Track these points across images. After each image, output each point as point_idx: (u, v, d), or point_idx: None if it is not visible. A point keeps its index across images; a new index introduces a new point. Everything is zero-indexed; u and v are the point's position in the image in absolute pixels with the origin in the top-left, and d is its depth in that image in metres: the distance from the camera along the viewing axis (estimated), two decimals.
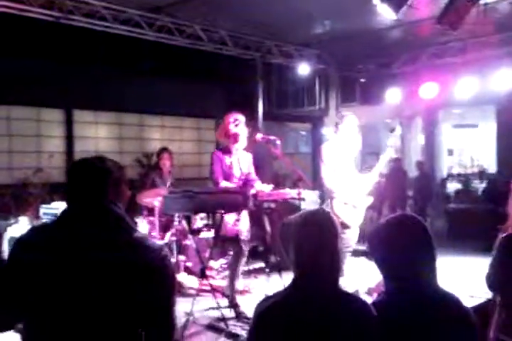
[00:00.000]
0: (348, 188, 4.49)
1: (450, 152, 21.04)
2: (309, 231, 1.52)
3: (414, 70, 9.64)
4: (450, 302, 1.59)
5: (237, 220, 4.25)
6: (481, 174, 17.81)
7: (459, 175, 18.16)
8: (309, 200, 5.45)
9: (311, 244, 1.49)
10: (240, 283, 4.76)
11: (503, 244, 2.43)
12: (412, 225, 1.68)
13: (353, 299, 1.50)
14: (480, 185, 13.88)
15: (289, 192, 4.15)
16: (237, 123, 4.39)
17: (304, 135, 17.02)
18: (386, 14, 4.37)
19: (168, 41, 7.82)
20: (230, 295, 4.31)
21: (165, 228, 5.70)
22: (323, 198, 6.43)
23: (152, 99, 11.18)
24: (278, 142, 4.26)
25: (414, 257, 1.60)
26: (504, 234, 2.49)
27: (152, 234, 5.52)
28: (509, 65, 8.10)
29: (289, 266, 1.59)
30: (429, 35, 7.82)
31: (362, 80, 11.33)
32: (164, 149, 6.37)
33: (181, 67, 10.82)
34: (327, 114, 12.06)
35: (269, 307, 1.48)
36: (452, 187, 14.76)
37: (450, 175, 18.56)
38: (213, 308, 4.31)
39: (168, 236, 5.56)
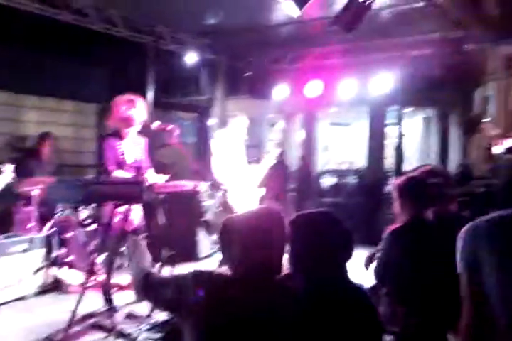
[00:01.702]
0: (239, 180, 4.57)
1: (325, 148, 22.33)
2: (258, 234, 1.48)
3: (301, 68, 10.03)
4: (350, 295, 1.65)
5: (130, 212, 4.06)
6: (353, 170, 19.16)
7: (333, 170, 19.33)
8: (203, 191, 5.42)
9: (261, 248, 1.45)
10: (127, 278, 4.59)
11: (389, 238, 2.60)
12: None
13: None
14: (352, 180, 14.89)
15: (186, 184, 4.07)
16: (130, 105, 4.17)
17: (188, 124, 16.87)
18: (289, 11, 4.45)
19: (51, 15, 7.18)
20: (107, 290, 4.09)
21: (45, 219, 5.26)
22: (213, 190, 6.43)
23: (28, 77, 10.22)
24: (177, 132, 4.15)
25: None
26: (389, 229, 2.66)
27: (28, 225, 5.06)
28: (386, 69, 8.77)
29: (227, 262, 1.53)
30: (316, 35, 8.17)
31: (249, 73, 11.48)
32: (46, 134, 5.88)
33: (65, 45, 10.02)
34: (213, 105, 12.07)
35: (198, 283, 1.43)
36: (327, 181, 15.62)
37: (325, 170, 19.71)
38: (100, 306, 4.09)
39: (46, 228, 5.14)
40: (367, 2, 4.56)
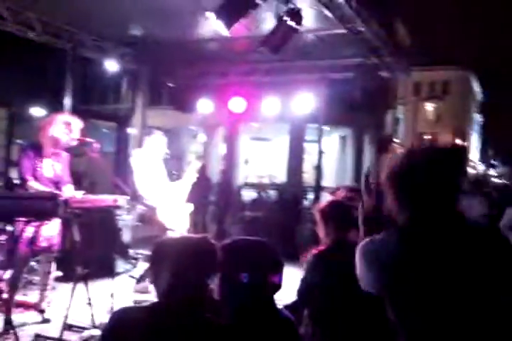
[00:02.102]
0: (165, 197, 4.50)
1: (246, 162, 22.62)
2: (188, 262, 1.45)
3: (226, 83, 10.13)
4: None
5: (42, 227, 3.85)
6: (274, 184, 19.51)
7: (253, 184, 19.56)
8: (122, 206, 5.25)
9: (189, 276, 1.43)
10: (36, 296, 4.35)
11: (313, 260, 2.63)
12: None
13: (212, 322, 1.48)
14: (272, 194, 15.14)
15: (105, 199, 3.93)
16: (66, 127, 4.02)
17: (108, 133, 16.37)
18: (218, 28, 4.50)
19: None
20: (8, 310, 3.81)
21: None
22: (133, 204, 6.26)
23: None
24: (96, 145, 4.01)
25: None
26: (314, 252, 2.68)
27: None
28: (309, 90, 9.09)
29: (155, 286, 1.49)
30: (242, 52, 8.32)
31: (172, 85, 11.42)
32: None
33: None
34: (133, 114, 11.84)
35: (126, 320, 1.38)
36: (248, 195, 15.77)
37: (246, 184, 19.90)
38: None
39: None
40: (294, 26, 4.72)
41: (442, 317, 1.36)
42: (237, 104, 9.69)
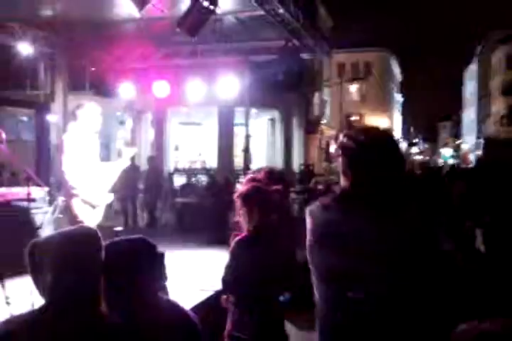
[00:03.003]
0: (90, 185, 4.20)
1: (176, 147, 22.26)
2: (71, 258, 1.35)
3: (147, 67, 9.83)
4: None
5: None
6: (205, 169, 19.36)
7: (184, 169, 19.32)
8: (39, 198, 4.95)
9: (73, 274, 1.33)
10: None
11: (237, 247, 2.63)
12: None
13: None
14: (204, 180, 15.04)
15: (17, 192, 3.68)
16: None
17: (25, 121, 15.47)
18: (130, 9, 4.28)
19: None
20: None
21: None
22: (52, 195, 5.97)
23: None
24: (3, 135, 3.73)
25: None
26: (236, 238, 2.67)
27: None
28: (233, 73, 9.02)
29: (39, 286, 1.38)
30: (162, 34, 8.07)
31: (93, 69, 10.95)
32: None
33: None
34: (53, 100, 11.25)
35: (12, 331, 1.28)
36: (179, 181, 15.56)
37: (177, 170, 19.61)
38: None
39: None
40: (210, 7, 4.61)
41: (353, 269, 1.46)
42: (160, 87, 9.46)
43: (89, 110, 4.26)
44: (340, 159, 1.62)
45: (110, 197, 4.41)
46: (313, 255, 1.57)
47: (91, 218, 4.20)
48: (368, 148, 1.58)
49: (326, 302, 1.54)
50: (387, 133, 1.68)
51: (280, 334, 2.64)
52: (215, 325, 2.72)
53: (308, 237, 1.61)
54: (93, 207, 4.19)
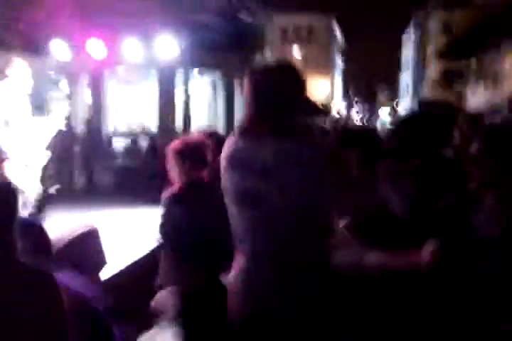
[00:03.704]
0: (23, 146, 4.08)
1: (115, 109, 21.58)
2: None
3: (80, 25, 9.40)
4: None
5: None
6: (145, 132, 18.99)
7: (123, 132, 18.88)
8: None
9: None
10: None
11: (170, 200, 2.71)
12: None
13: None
14: (144, 143, 14.83)
15: None
16: None
17: None
18: None
19: None
20: None
21: None
22: None
23: None
24: None
25: None
26: (167, 194, 2.74)
27: None
28: (170, 32, 8.81)
29: None
30: None
31: (19, 26, 10.33)
32: None
33: None
34: None
35: None
36: (118, 144, 15.25)
37: (116, 132, 19.11)
38: None
39: None
40: None
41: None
42: (95, 46, 9.11)
43: (19, 69, 4.10)
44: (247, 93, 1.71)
45: (45, 157, 4.33)
46: (224, 180, 1.71)
47: (27, 181, 4.13)
48: (265, 76, 1.67)
49: (239, 223, 1.68)
50: (286, 62, 1.76)
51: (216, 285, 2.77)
52: (150, 281, 2.82)
53: (221, 165, 1.74)
54: (27, 166, 4.11)
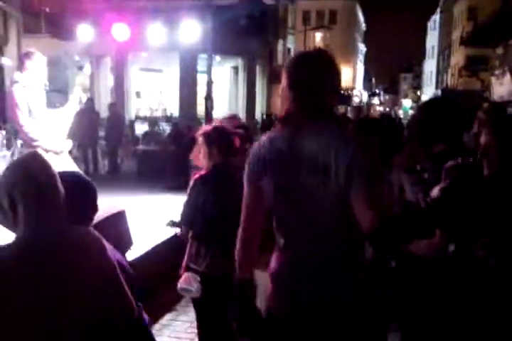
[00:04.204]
0: (48, 134, 4.20)
1: (138, 94, 21.77)
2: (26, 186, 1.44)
3: (106, 9, 9.47)
4: None
5: None
6: (167, 117, 19.11)
7: (146, 117, 19.05)
8: None
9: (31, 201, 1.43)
10: None
11: (197, 184, 2.74)
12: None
13: None
14: (166, 128, 14.92)
15: None
16: None
17: None
18: None
19: None
20: None
21: None
22: (10, 140, 5.91)
23: None
24: None
25: None
26: (196, 176, 2.78)
27: None
28: (195, 17, 8.82)
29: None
30: None
31: (48, 10, 10.46)
32: None
33: None
34: (6, 43, 10.74)
35: None
36: (140, 129, 15.38)
37: (138, 117, 19.29)
38: None
39: None
40: None
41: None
42: (120, 30, 9.16)
43: (38, 61, 4.19)
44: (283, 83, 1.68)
45: (69, 143, 4.43)
46: (260, 181, 1.68)
47: (58, 165, 4.23)
48: (301, 67, 1.65)
49: (282, 218, 1.68)
50: (323, 52, 1.72)
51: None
52: (176, 261, 2.90)
53: (251, 168, 1.72)
54: (57, 153, 4.22)
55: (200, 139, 2.77)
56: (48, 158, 3.91)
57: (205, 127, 2.89)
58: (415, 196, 2.03)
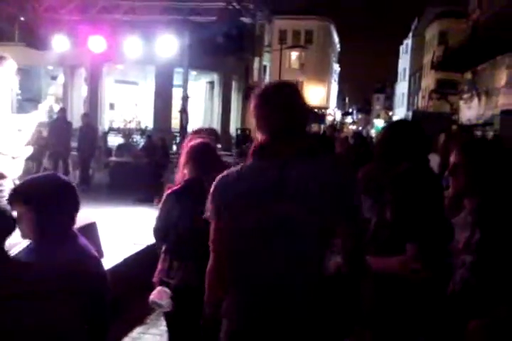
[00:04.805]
0: (5, 137, 4.13)
1: (112, 106, 21.62)
2: None
3: (83, 21, 9.46)
4: None
5: None
6: (141, 130, 18.98)
7: (119, 129, 18.88)
8: None
9: None
10: None
11: (167, 199, 2.74)
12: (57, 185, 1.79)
13: None
14: (140, 140, 14.82)
15: None
16: None
17: None
18: None
19: None
20: None
21: None
22: None
23: None
24: None
25: None
26: (169, 191, 2.77)
27: None
28: (172, 32, 8.89)
29: None
30: None
31: (22, 19, 10.37)
32: None
33: None
34: None
35: None
36: (113, 140, 15.23)
37: (111, 129, 19.10)
38: None
39: None
40: None
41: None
42: (96, 42, 9.15)
43: (10, 68, 4.15)
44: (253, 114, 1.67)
45: (29, 150, 4.35)
46: (224, 217, 1.62)
47: (11, 169, 4.16)
48: (266, 99, 1.63)
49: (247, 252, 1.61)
50: (290, 84, 1.72)
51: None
52: (147, 275, 2.88)
53: (213, 204, 1.65)
54: (13, 158, 4.14)
55: (184, 154, 2.77)
56: (1, 159, 3.79)
57: (191, 141, 2.89)
58: (370, 215, 2.10)
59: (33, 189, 1.74)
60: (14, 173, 4.21)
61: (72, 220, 1.79)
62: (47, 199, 1.71)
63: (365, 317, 1.86)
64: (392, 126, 2.45)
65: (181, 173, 2.80)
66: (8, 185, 4.24)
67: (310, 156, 1.62)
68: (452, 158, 1.83)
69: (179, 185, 2.77)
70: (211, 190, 1.67)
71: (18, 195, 1.75)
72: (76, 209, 1.80)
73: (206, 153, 2.77)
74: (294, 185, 1.55)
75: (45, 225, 1.70)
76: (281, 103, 1.61)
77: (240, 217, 1.59)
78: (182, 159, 2.75)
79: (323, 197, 1.54)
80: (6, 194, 4.28)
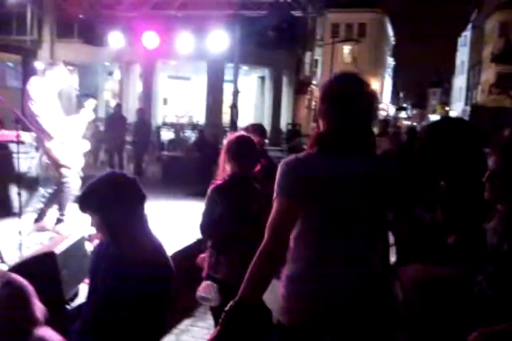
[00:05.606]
0: (65, 130, 4.28)
1: (165, 101, 22.07)
2: None
3: (137, 17, 9.64)
4: None
5: None
6: (193, 124, 19.28)
7: (172, 124, 19.26)
8: (26, 143, 5.01)
9: None
10: None
11: (210, 195, 2.73)
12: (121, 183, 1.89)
13: None
14: (191, 135, 15.05)
15: (6, 135, 3.76)
16: None
17: (12, 67, 15.17)
18: None
19: None
20: None
21: None
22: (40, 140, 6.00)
23: None
24: None
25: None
26: (213, 185, 2.77)
27: None
28: (223, 27, 8.91)
29: None
30: None
31: (81, 16, 10.67)
32: None
33: None
34: (40, 47, 11.01)
35: None
36: (166, 135, 15.57)
37: (164, 124, 19.52)
38: None
39: None
40: None
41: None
42: (149, 38, 9.31)
43: (58, 73, 4.29)
44: (320, 103, 1.69)
45: (87, 144, 4.49)
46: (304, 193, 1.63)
47: (73, 161, 4.31)
48: (345, 93, 1.65)
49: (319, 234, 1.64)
50: (355, 73, 1.77)
51: None
52: (196, 268, 2.89)
53: (281, 185, 1.65)
54: (73, 150, 4.28)
55: (224, 148, 2.77)
56: (64, 150, 3.92)
57: (230, 136, 2.88)
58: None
59: (97, 197, 1.92)
60: (77, 165, 4.37)
61: (142, 216, 1.99)
62: (112, 204, 1.89)
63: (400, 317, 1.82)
64: (432, 129, 2.25)
65: (222, 168, 2.80)
66: (73, 176, 4.40)
67: (370, 150, 1.67)
68: (490, 162, 1.72)
69: (222, 181, 2.76)
70: (283, 170, 1.66)
71: (84, 206, 1.94)
72: (142, 202, 1.99)
73: (241, 145, 2.75)
74: (360, 181, 1.60)
75: (115, 228, 1.89)
76: (353, 94, 1.64)
77: (320, 197, 1.61)
78: (222, 154, 2.76)
79: (386, 192, 1.61)
80: (72, 184, 4.47)
